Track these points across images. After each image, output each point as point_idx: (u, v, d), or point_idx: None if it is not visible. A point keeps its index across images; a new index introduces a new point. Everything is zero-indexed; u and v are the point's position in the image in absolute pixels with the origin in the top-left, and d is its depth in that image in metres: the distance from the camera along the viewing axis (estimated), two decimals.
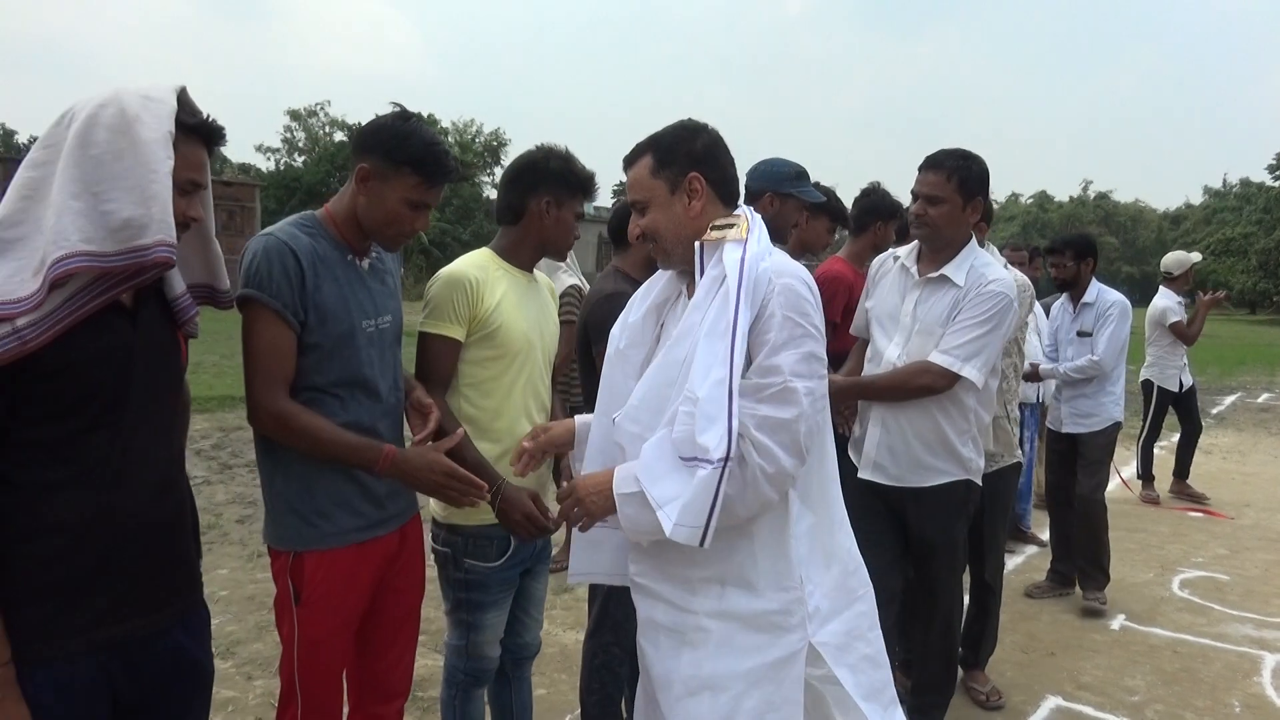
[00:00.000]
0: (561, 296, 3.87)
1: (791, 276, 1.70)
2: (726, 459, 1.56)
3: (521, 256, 2.50)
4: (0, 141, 59.90)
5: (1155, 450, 7.21)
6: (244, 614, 4.25)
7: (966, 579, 3.55)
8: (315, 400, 2.00)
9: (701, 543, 1.60)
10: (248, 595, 4.48)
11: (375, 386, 2.10)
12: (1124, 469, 7.19)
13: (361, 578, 2.10)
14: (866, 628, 1.84)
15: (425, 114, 52.45)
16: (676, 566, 1.75)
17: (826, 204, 3.40)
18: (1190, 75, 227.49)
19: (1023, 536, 5.83)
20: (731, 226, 1.76)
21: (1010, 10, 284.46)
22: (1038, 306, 5.42)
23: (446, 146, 2.09)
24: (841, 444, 3.19)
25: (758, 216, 1.82)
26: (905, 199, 3.52)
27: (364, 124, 2.10)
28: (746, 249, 1.69)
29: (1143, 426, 7.19)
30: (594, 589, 2.81)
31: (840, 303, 3.56)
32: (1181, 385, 7.02)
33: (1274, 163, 51.15)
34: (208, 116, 1.68)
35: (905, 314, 2.92)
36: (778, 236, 3.20)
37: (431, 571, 2.37)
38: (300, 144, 53.20)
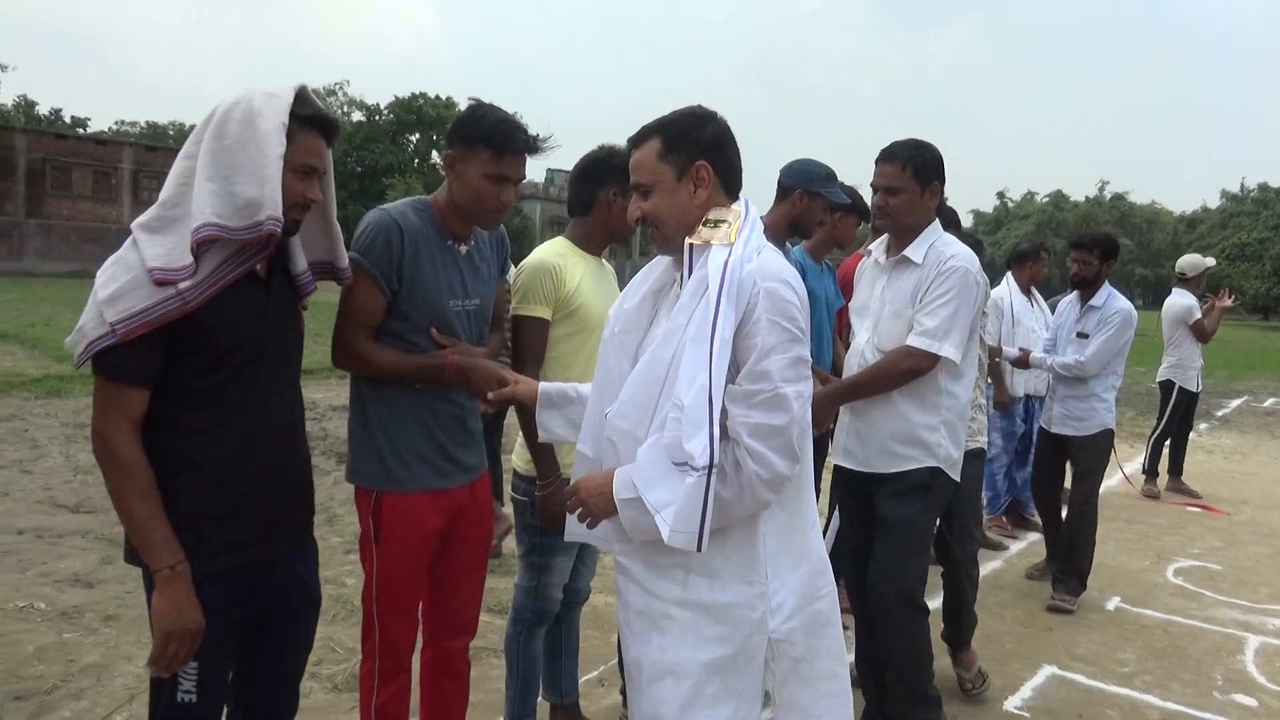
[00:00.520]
0: None
1: (775, 280, 1.71)
2: (710, 466, 1.59)
3: (593, 243, 2.80)
4: (22, 112, 60.50)
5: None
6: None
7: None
8: (403, 349, 2.28)
9: (699, 547, 1.64)
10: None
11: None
12: (1127, 465, 7.42)
13: (433, 522, 2.35)
14: (823, 624, 1.85)
15: (443, 97, 52.76)
16: (648, 550, 1.79)
17: (852, 205, 3.74)
18: (1211, 78, 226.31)
19: (1026, 523, 6.07)
20: (721, 225, 1.77)
21: (1030, 6, 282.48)
22: (1012, 298, 5.77)
23: (518, 122, 2.27)
24: (822, 440, 3.33)
25: (754, 213, 1.84)
26: None
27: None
28: (731, 253, 1.70)
29: (1157, 424, 7.40)
30: None
31: None
32: (1198, 385, 7.23)
33: None
34: (323, 110, 1.91)
35: (874, 299, 3.06)
36: (803, 231, 3.50)
37: None
38: None
